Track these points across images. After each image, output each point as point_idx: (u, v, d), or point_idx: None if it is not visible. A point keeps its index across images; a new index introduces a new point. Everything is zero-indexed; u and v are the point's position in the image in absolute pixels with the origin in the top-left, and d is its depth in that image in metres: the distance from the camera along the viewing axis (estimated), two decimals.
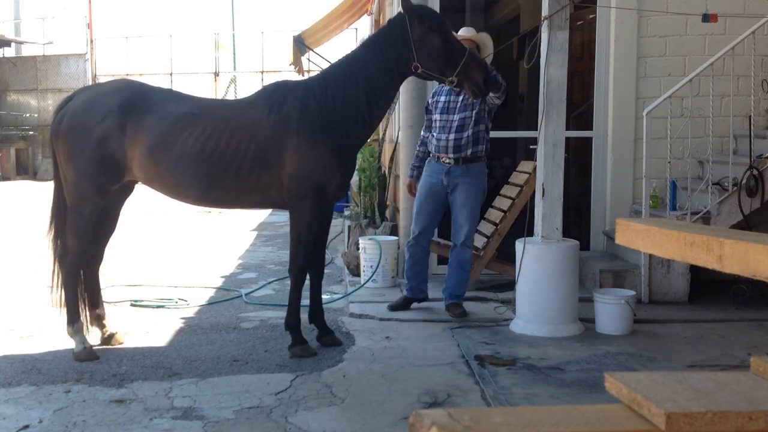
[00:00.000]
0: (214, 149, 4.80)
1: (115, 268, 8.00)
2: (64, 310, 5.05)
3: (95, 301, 5.23)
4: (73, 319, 5.00)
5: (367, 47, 5.04)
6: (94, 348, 4.99)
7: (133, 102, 4.85)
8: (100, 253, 5.22)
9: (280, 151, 4.82)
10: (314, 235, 5.07)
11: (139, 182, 5.05)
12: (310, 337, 5.30)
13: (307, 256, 5.07)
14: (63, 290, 5.04)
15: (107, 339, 5.20)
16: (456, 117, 5.83)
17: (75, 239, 4.94)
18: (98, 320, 5.24)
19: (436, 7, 6.92)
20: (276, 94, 4.96)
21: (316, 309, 5.30)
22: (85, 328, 5.08)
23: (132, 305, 6.39)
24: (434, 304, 6.21)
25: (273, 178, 4.86)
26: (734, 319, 5.80)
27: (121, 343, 5.21)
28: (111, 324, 5.32)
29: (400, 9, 4.98)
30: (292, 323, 5.05)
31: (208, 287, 7.18)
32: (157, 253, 9.14)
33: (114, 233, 5.30)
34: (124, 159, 4.83)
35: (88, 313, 5.19)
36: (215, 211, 13.14)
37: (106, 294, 6.78)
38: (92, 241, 5.06)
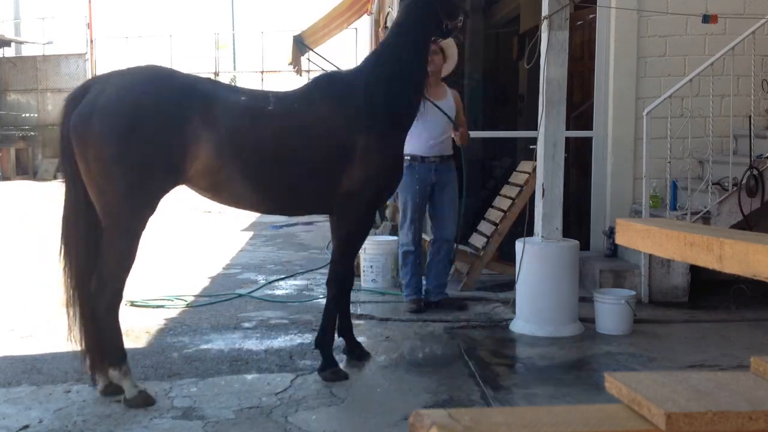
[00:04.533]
0: (294, 147, 4.29)
1: None
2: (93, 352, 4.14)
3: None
4: (120, 360, 4.10)
5: (404, 33, 4.65)
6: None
7: (193, 91, 4.10)
8: None
9: (351, 150, 4.37)
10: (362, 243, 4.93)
11: (198, 189, 4.29)
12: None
13: (352, 267, 4.76)
14: (103, 329, 4.07)
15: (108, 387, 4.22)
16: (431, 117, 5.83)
17: (120, 266, 4.01)
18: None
19: None
20: (335, 86, 4.57)
21: (347, 322, 4.91)
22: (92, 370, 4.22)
23: (132, 305, 6.37)
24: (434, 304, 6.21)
25: (338, 180, 4.39)
26: (734, 319, 5.80)
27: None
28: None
29: None
30: (326, 341, 4.58)
31: (207, 287, 7.18)
32: (156, 253, 9.13)
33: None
34: (183, 161, 4.02)
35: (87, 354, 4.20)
36: (215, 211, 13.14)
37: None
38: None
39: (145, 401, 4.03)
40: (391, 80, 4.51)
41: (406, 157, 5.47)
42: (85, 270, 4.07)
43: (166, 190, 4.14)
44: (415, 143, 5.75)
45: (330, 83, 4.64)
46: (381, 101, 4.47)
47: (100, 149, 3.89)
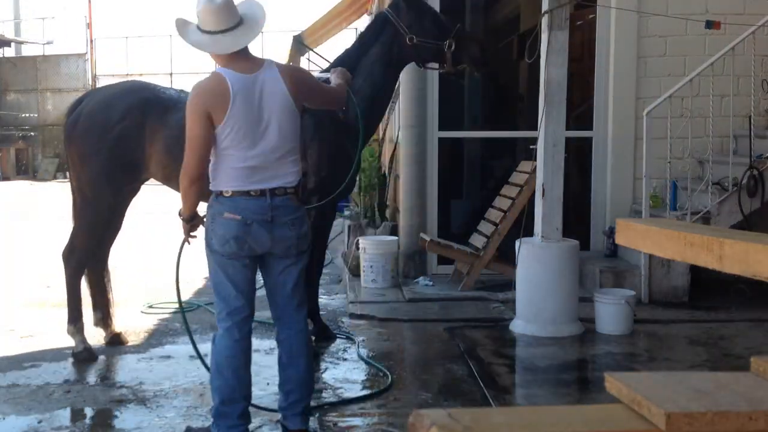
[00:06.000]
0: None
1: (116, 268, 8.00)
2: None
3: (102, 302, 5.20)
4: (75, 318, 4.97)
5: (362, 45, 5.15)
6: (98, 347, 4.99)
7: (150, 101, 4.89)
8: (106, 253, 5.22)
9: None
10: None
11: (157, 180, 5.05)
12: None
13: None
14: (66, 288, 4.99)
15: (113, 339, 5.19)
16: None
17: (84, 237, 4.92)
18: (103, 321, 5.21)
19: (436, 8, 6.92)
20: None
21: (315, 306, 5.30)
22: (86, 328, 5.04)
23: (142, 312, 6.32)
24: (433, 303, 6.22)
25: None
26: (734, 319, 5.80)
27: (127, 343, 5.22)
28: (117, 324, 5.30)
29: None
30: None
31: (208, 287, 7.17)
32: (155, 253, 9.12)
33: (119, 233, 5.28)
34: (142, 157, 4.84)
35: (93, 313, 5.19)
36: None
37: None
38: (99, 241, 5.07)
39: (88, 356, 4.85)
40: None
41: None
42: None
43: (130, 181, 4.96)
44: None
45: None
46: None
47: (81, 145, 4.86)
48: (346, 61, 5.04)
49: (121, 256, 8.70)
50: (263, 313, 6.09)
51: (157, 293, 6.83)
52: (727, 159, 6.30)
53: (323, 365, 4.78)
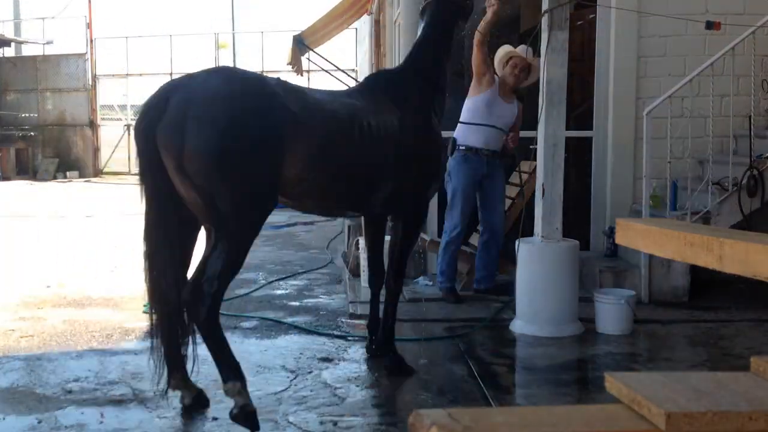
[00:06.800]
0: (372, 151, 4.20)
1: (116, 267, 8.00)
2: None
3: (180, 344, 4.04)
4: (238, 373, 3.75)
5: (434, 25, 4.81)
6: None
7: (284, 93, 3.82)
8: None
9: (409, 151, 4.41)
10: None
11: (283, 199, 4.08)
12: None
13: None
14: (209, 343, 3.74)
15: (197, 397, 4.06)
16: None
17: (224, 279, 3.80)
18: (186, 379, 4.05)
19: None
20: (390, 88, 4.58)
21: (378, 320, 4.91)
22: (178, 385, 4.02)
23: (143, 312, 6.34)
24: (433, 303, 6.21)
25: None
26: (734, 319, 5.80)
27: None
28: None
29: None
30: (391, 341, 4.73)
31: None
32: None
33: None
34: (279, 169, 3.77)
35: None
36: None
37: (113, 294, 6.80)
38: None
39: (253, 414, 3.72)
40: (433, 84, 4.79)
41: (461, 148, 6.27)
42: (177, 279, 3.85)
43: (274, 201, 3.95)
44: (472, 136, 6.27)
45: (387, 85, 4.67)
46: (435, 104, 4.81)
47: (215, 156, 3.55)
48: (430, 42, 4.79)
49: (121, 256, 8.72)
50: (265, 313, 6.11)
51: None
52: (727, 159, 6.30)
53: (324, 365, 4.77)
